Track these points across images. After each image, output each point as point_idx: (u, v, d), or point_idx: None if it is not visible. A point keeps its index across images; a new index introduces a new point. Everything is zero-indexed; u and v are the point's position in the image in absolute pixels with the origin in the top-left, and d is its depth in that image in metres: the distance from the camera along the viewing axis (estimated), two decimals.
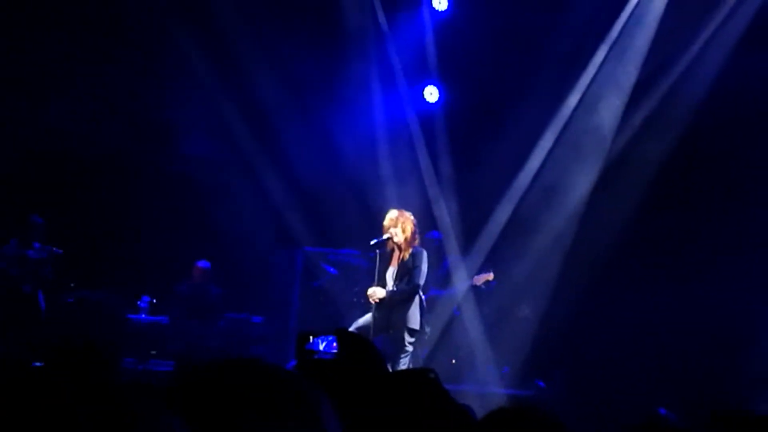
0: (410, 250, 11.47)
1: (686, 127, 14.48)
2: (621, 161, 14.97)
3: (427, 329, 12.06)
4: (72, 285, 14.18)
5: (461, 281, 14.30)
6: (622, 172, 14.87)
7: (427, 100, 15.78)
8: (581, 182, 15.08)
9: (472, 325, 14.48)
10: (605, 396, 12.56)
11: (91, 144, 14.82)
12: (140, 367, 13.53)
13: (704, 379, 13.03)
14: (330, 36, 15.47)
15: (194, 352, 13.72)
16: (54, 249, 13.58)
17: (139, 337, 14.02)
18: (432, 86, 15.78)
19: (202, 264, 14.78)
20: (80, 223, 14.75)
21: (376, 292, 11.44)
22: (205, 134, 15.96)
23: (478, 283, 13.79)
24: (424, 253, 11.56)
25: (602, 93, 15.14)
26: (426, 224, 12.73)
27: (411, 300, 11.46)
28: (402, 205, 12.16)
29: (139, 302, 14.50)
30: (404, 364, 11.41)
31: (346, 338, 4.06)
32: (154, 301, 14.58)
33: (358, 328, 11.63)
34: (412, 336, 11.47)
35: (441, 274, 14.25)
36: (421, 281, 11.45)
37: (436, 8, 15.59)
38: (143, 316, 14.44)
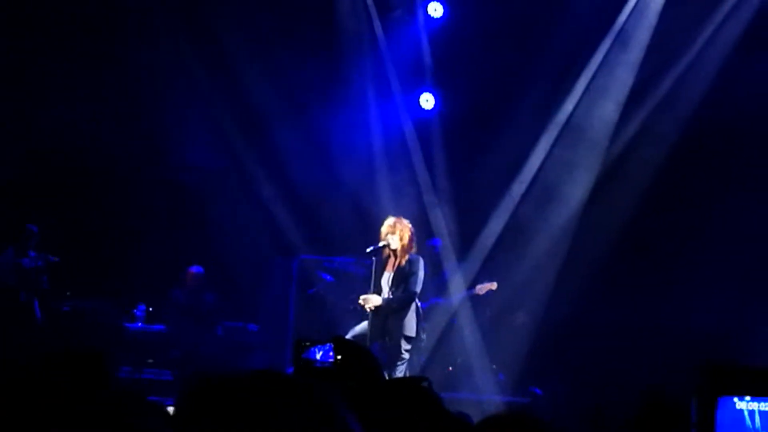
0: (407, 257, 11.47)
1: (683, 131, 14.50)
2: (617, 166, 14.99)
3: (424, 336, 12.05)
4: (68, 293, 14.16)
5: (459, 289, 14.30)
6: (618, 178, 14.88)
7: (423, 107, 15.78)
8: (578, 188, 15.09)
9: (469, 333, 14.47)
10: (602, 403, 12.55)
11: (87, 152, 14.79)
12: (137, 375, 13.51)
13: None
14: (326, 44, 15.48)
15: (191, 361, 13.71)
16: (50, 257, 13.56)
17: (136, 346, 14.00)
18: (428, 93, 15.77)
19: (195, 269, 14.77)
20: (76, 231, 14.73)
21: (370, 299, 11.42)
22: (201, 142, 15.94)
23: (481, 293, 13.82)
24: (421, 261, 11.56)
25: (598, 98, 15.15)
26: (423, 231, 12.72)
27: (407, 307, 11.46)
28: (398, 213, 12.16)
29: (135, 310, 14.47)
30: (401, 371, 11.40)
31: (343, 346, 4.05)
32: (151, 309, 14.55)
33: (354, 336, 11.62)
34: (408, 343, 11.46)
35: (442, 282, 14.25)
36: (418, 288, 11.45)
37: (432, 15, 15.60)
38: (139, 324, 14.42)
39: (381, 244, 11.53)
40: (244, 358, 14.17)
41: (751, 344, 12.84)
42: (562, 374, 14.22)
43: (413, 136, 15.76)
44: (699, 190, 14.44)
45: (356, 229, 14.20)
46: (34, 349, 11.90)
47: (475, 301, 14.26)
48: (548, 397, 13.78)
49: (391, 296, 11.45)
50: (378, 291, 11.53)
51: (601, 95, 15.15)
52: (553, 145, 15.36)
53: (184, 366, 13.64)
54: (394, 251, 11.53)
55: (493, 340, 14.47)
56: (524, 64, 15.09)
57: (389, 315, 11.46)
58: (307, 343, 4.69)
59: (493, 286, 13.75)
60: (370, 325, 11.47)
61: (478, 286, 13.83)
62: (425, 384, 3.11)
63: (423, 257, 11.82)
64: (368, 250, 11.64)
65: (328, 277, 14.69)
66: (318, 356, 4.81)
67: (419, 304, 11.65)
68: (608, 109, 15.09)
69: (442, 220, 15.33)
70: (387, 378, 11.09)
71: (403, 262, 11.48)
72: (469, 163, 15.35)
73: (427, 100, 15.77)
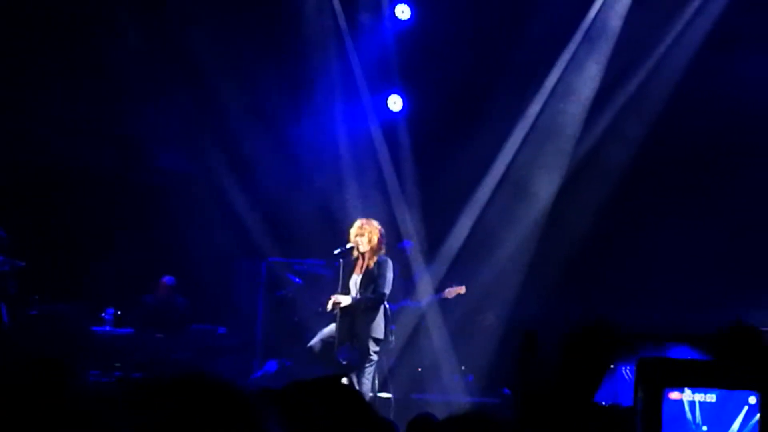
0: (375, 259, 11.49)
1: (650, 130, 14.58)
2: (585, 166, 15.05)
3: (392, 338, 12.07)
4: (36, 297, 14.09)
5: (428, 291, 14.32)
6: (586, 178, 14.94)
7: (391, 109, 15.79)
8: (545, 189, 15.14)
9: (438, 334, 14.49)
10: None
11: (55, 155, 14.75)
12: (105, 379, 13.47)
13: None
14: (292, 46, 15.47)
15: (160, 364, 13.67)
16: (16, 262, 13.49)
17: (104, 350, 13.95)
18: (395, 95, 15.79)
19: (167, 280, 14.79)
20: (44, 235, 14.67)
21: (340, 299, 11.44)
22: (169, 146, 15.91)
23: (450, 296, 13.86)
24: (389, 262, 11.59)
25: (565, 98, 15.21)
26: (390, 233, 12.74)
27: (376, 309, 11.49)
28: (366, 215, 12.19)
29: (103, 314, 14.42)
30: (369, 373, 11.43)
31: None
32: (119, 313, 14.51)
33: (322, 339, 11.64)
34: (377, 345, 11.49)
35: (412, 285, 14.27)
36: (387, 290, 11.48)
37: (399, 17, 15.62)
38: (108, 328, 14.37)
39: (349, 246, 11.55)
40: (213, 361, 14.15)
41: None
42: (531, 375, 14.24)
43: (381, 137, 15.77)
44: (667, 189, 14.53)
45: (325, 232, 14.20)
46: (1, 354, 11.83)
47: (444, 302, 14.28)
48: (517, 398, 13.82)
49: (359, 297, 11.47)
50: (346, 293, 11.55)
51: (568, 95, 15.21)
52: (521, 146, 15.40)
53: (153, 370, 13.60)
54: (363, 253, 11.55)
55: (461, 342, 14.50)
56: (492, 65, 15.13)
57: (357, 317, 11.49)
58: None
59: (462, 289, 13.80)
60: (338, 327, 11.49)
61: (447, 290, 13.86)
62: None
63: (393, 260, 11.85)
64: (336, 252, 11.66)
65: (297, 280, 14.68)
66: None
67: (388, 306, 11.67)
68: (576, 108, 15.14)
69: (409, 222, 15.34)
70: (355, 381, 11.14)
71: (371, 264, 11.50)
72: (437, 165, 15.37)
73: (394, 102, 15.79)
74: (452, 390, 14.06)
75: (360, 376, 11.30)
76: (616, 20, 14.83)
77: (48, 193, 15.10)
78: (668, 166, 14.54)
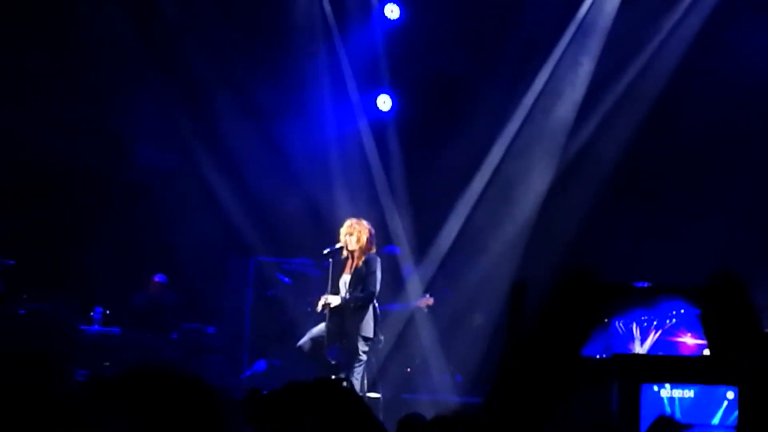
0: (364, 258, 11.50)
1: (640, 129, 14.60)
2: (574, 166, 15.06)
3: (381, 338, 12.08)
4: (24, 296, 14.06)
5: (416, 292, 14.34)
6: (575, 177, 14.96)
7: (380, 108, 15.79)
8: (535, 189, 15.16)
9: (426, 334, 14.50)
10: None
11: (42, 154, 14.70)
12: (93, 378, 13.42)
13: None
14: (281, 45, 15.45)
15: (146, 362, 13.63)
16: (5, 260, 13.46)
17: (92, 348, 13.91)
18: (385, 95, 15.79)
19: (158, 278, 14.74)
20: (33, 233, 14.63)
21: (330, 299, 11.45)
22: (157, 145, 15.87)
23: (421, 305, 13.95)
24: (378, 260, 11.59)
25: (555, 97, 15.23)
26: (378, 232, 12.73)
27: (365, 308, 11.49)
28: (355, 214, 12.19)
29: (92, 313, 14.38)
30: (358, 372, 11.43)
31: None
32: (107, 312, 14.47)
33: (312, 338, 11.64)
34: (366, 344, 11.49)
35: (398, 288, 14.27)
36: (376, 288, 11.48)
37: (388, 17, 15.61)
38: (96, 327, 14.34)
39: (338, 245, 11.56)
40: (201, 360, 14.14)
41: None
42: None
43: (370, 137, 15.77)
44: (658, 189, 14.55)
45: (313, 231, 14.21)
46: None
47: (433, 301, 14.30)
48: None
49: (347, 296, 11.48)
50: (336, 293, 11.56)
51: (558, 94, 15.23)
52: (510, 146, 15.42)
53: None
54: (352, 252, 11.56)
55: (450, 342, 14.50)
56: (481, 64, 15.13)
57: (346, 316, 11.49)
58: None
59: (430, 301, 13.92)
60: (328, 326, 11.50)
61: (419, 300, 13.98)
62: (345, 384, 3.11)
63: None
64: (325, 251, 11.67)
65: (286, 279, 14.68)
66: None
67: (377, 305, 11.67)
68: (565, 107, 15.17)
69: (398, 222, 15.34)
70: (345, 379, 11.13)
71: (360, 263, 11.50)
72: (426, 164, 15.37)
73: (384, 102, 15.78)
74: (441, 390, 14.07)
75: (349, 375, 11.30)
76: (606, 18, 14.85)
77: (37, 192, 15.05)
78: (660, 166, 14.55)
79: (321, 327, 11.62)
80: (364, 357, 11.50)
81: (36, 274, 14.20)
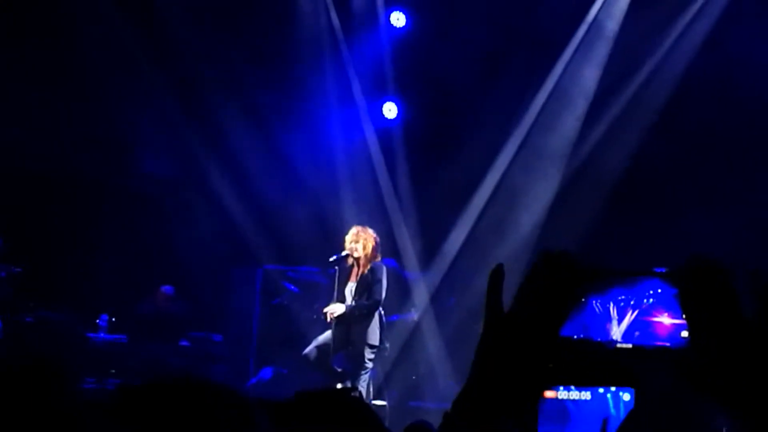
0: (369, 266, 11.50)
1: (647, 138, 14.58)
2: (580, 174, 15.05)
3: (387, 345, 12.08)
4: (31, 304, 14.07)
5: (422, 300, 14.38)
6: (581, 185, 14.95)
7: (386, 116, 15.80)
8: (541, 196, 15.14)
9: (433, 341, 14.50)
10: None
11: (49, 162, 14.73)
12: (100, 386, 13.44)
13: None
14: (287, 53, 15.46)
15: (155, 371, 13.65)
16: (12, 268, 13.48)
17: (99, 356, 13.93)
18: (390, 102, 15.79)
19: (166, 289, 14.75)
20: (38, 242, 14.64)
21: (335, 309, 11.45)
22: (163, 153, 15.89)
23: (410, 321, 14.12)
24: (384, 268, 11.60)
25: (561, 106, 15.21)
26: (384, 240, 12.73)
27: (371, 316, 11.49)
28: (361, 222, 12.20)
29: (98, 320, 14.40)
30: (364, 380, 11.44)
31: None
32: (114, 319, 14.48)
33: (318, 346, 11.65)
34: (372, 352, 11.50)
35: (395, 299, 14.28)
36: (382, 296, 11.48)
37: (394, 25, 15.63)
38: (102, 334, 14.35)
39: (344, 253, 11.57)
40: (208, 368, 14.15)
41: None
42: None
43: (376, 145, 15.78)
44: (663, 199, 14.52)
45: (320, 239, 14.21)
46: None
47: (439, 310, 14.32)
48: None
49: (354, 304, 11.49)
50: (342, 300, 11.57)
51: (564, 103, 15.22)
52: (517, 153, 15.41)
53: (148, 376, 13.55)
54: (358, 260, 11.56)
55: (456, 349, 14.48)
56: (487, 72, 15.12)
57: (352, 324, 11.49)
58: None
59: (414, 317, 14.10)
60: (334, 334, 11.50)
61: (410, 315, 14.13)
62: (356, 394, 3.10)
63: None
64: (331, 259, 11.68)
65: (293, 288, 14.67)
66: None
67: (383, 312, 11.68)
68: (571, 116, 15.16)
69: (405, 230, 15.35)
70: (354, 388, 11.13)
71: (366, 271, 11.51)
72: (432, 172, 15.37)
73: (389, 110, 15.79)
74: (448, 397, 14.01)
75: (355, 383, 11.30)
76: (612, 25, 14.85)
77: (43, 200, 15.06)
78: (667, 176, 14.51)
79: (327, 335, 11.63)
80: (370, 365, 11.50)
81: (42, 281, 14.21)
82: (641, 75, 14.83)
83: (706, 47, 14.45)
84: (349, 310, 11.44)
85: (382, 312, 11.66)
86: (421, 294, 14.51)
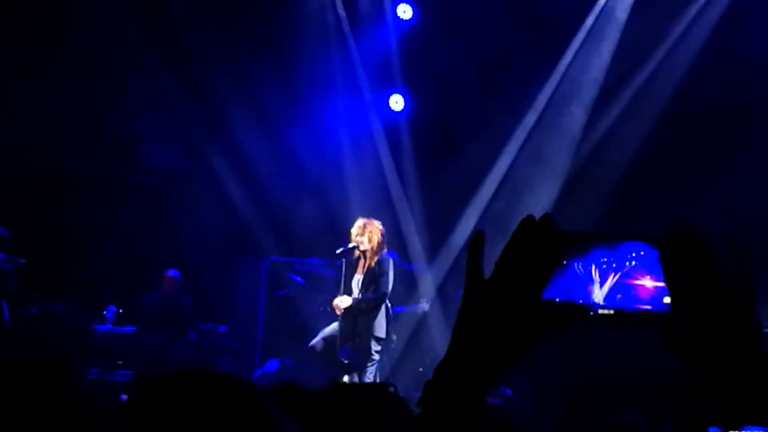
0: (376, 258, 11.49)
1: (651, 132, 14.55)
2: (587, 167, 15.04)
3: (394, 338, 12.08)
4: (36, 296, 14.07)
5: (429, 292, 14.37)
6: (588, 178, 14.93)
7: (393, 108, 15.80)
8: (547, 189, 15.13)
9: (439, 333, 14.49)
10: (571, 403, 12.58)
11: (54, 155, 14.73)
12: (107, 377, 13.45)
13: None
14: (294, 45, 15.45)
15: (161, 363, 13.66)
16: (18, 259, 13.46)
17: (105, 348, 13.92)
18: (397, 95, 15.79)
19: (171, 273, 14.67)
20: (44, 233, 14.64)
21: (342, 302, 11.44)
22: (169, 145, 15.89)
23: (420, 311, 14.09)
24: (391, 261, 11.57)
25: (567, 100, 15.21)
26: (391, 233, 12.73)
27: (377, 308, 11.47)
28: (367, 214, 12.18)
29: (104, 312, 14.39)
30: (371, 372, 11.42)
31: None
32: (120, 311, 14.48)
33: (324, 338, 11.63)
34: (378, 344, 11.47)
35: (398, 292, 14.28)
36: (389, 289, 11.47)
37: (401, 17, 15.62)
38: (109, 326, 14.34)
39: (351, 245, 11.54)
40: (214, 359, 14.15)
41: None
42: (530, 375, 14.25)
43: (382, 137, 15.78)
44: (670, 192, 14.48)
45: (326, 231, 14.21)
46: (2, 351, 11.83)
47: (445, 301, 14.30)
48: (518, 398, 13.82)
49: (360, 297, 11.47)
50: (348, 293, 11.54)
51: (570, 96, 15.21)
52: (524, 145, 15.41)
53: (154, 368, 13.57)
54: (364, 252, 11.54)
55: None
56: (494, 64, 15.11)
57: (359, 316, 11.47)
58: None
59: (426, 308, 14.02)
60: (341, 326, 11.49)
61: (420, 307, 14.13)
62: (392, 390, 3.08)
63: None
64: (338, 251, 11.65)
65: (298, 279, 14.67)
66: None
67: (389, 305, 11.67)
68: (578, 109, 15.15)
69: (411, 222, 15.35)
70: (357, 379, 11.13)
71: (373, 263, 11.49)
72: (439, 164, 15.36)
73: (396, 102, 15.79)
74: None
75: (362, 375, 11.29)
76: (618, 20, 14.83)
77: (49, 192, 15.07)
78: (674, 168, 14.47)
79: (333, 327, 11.62)
80: (376, 357, 11.48)
81: (49, 273, 14.22)
82: (651, 63, 14.78)
83: (716, 35, 14.41)
84: (356, 303, 11.43)
85: (389, 304, 11.64)
86: (427, 286, 14.50)
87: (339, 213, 14.35)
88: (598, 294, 1.82)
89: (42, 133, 14.53)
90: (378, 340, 11.46)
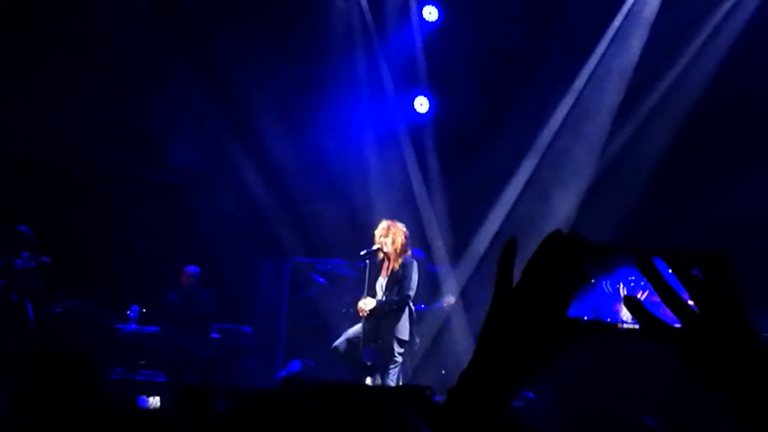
0: (400, 261, 11.47)
1: (677, 136, 14.49)
2: (611, 171, 14.99)
3: (417, 340, 12.05)
4: (60, 295, 14.10)
5: (448, 293, 14.35)
6: (612, 182, 14.88)
7: (418, 110, 15.79)
8: (572, 190, 15.08)
9: (462, 335, 14.47)
10: (594, 405, 12.53)
11: (78, 154, 14.78)
12: (130, 377, 13.47)
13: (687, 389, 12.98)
14: (319, 46, 15.46)
15: (185, 362, 13.67)
16: (42, 258, 13.50)
17: (129, 347, 13.94)
18: (422, 97, 15.78)
19: (191, 269, 14.66)
20: (68, 232, 14.69)
21: (366, 304, 11.42)
22: (192, 144, 15.92)
23: (445, 306, 14.03)
24: (415, 264, 11.56)
25: (593, 102, 15.16)
26: (415, 234, 12.72)
27: (401, 310, 11.46)
28: (391, 216, 12.17)
29: (128, 312, 14.42)
30: (394, 374, 11.41)
31: None
32: (144, 310, 14.50)
33: (348, 339, 11.63)
34: (401, 346, 11.47)
35: (423, 291, 14.26)
36: (412, 292, 11.46)
37: (427, 19, 15.61)
38: (132, 325, 14.37)
39: (375, 247, 11.53)
40: (237, 360, 14.16)
41: None
42: (556, 377, 14.20)
43: (407, 139, 15.77)
44: (698, 192, 14.41)
45: (349, 233, 14.20)
46: (27, 350, 11.86)
47: (468, 304, 14.29)
48: (541, 401, 13.77)
49: (384, 299, 11.46)
50: (372, 294, 11.54)
51: (596, 99, 15.17)
52: (548, 148, 15.37)
53: (177, 368, 13.60)
54: (388, 255, 11.53)
55: None
56: (519, 66, 15.08)
57: (382, 318, 11.46)
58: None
59: (452, 301, 13.99)
60: (364, 328, 11.48)
61: (444, 300, 14.09)
62: (428, 392, 3.06)
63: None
64: (362, 253, 11.64)
65: (321, 280, 14.68)
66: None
67: (413, 307, 11.65)
68: (603, 112, 15.11)
69: (435, 223, 15.33)
70: (380, 381, 11.12)
71: (397, 266, 11.48)
72: (463, 166, 15.34)
73: (421, 104, 15.78)
74: None
75: (384, 377, 11.28)
76: (644, 24, 14.77)
77: (73, 191, 15.13)
78: (701, 169, 14.40)
79: (357, 328, 11.61)
80: (399, 359, 11.48)
81: (72, 272, 14.25)
82: (677, 67, 14.72)
83: (744, 34, 14.31)
84: (379, 306, 11.42)
85: (412, 307, 11.63)
86: (451, 288, 14.48)
87: (362, 214, 14.35)
88: (626, 313, 1.80)
89: (68, 132, 14.57)
90: (401, 342, 11.45)
